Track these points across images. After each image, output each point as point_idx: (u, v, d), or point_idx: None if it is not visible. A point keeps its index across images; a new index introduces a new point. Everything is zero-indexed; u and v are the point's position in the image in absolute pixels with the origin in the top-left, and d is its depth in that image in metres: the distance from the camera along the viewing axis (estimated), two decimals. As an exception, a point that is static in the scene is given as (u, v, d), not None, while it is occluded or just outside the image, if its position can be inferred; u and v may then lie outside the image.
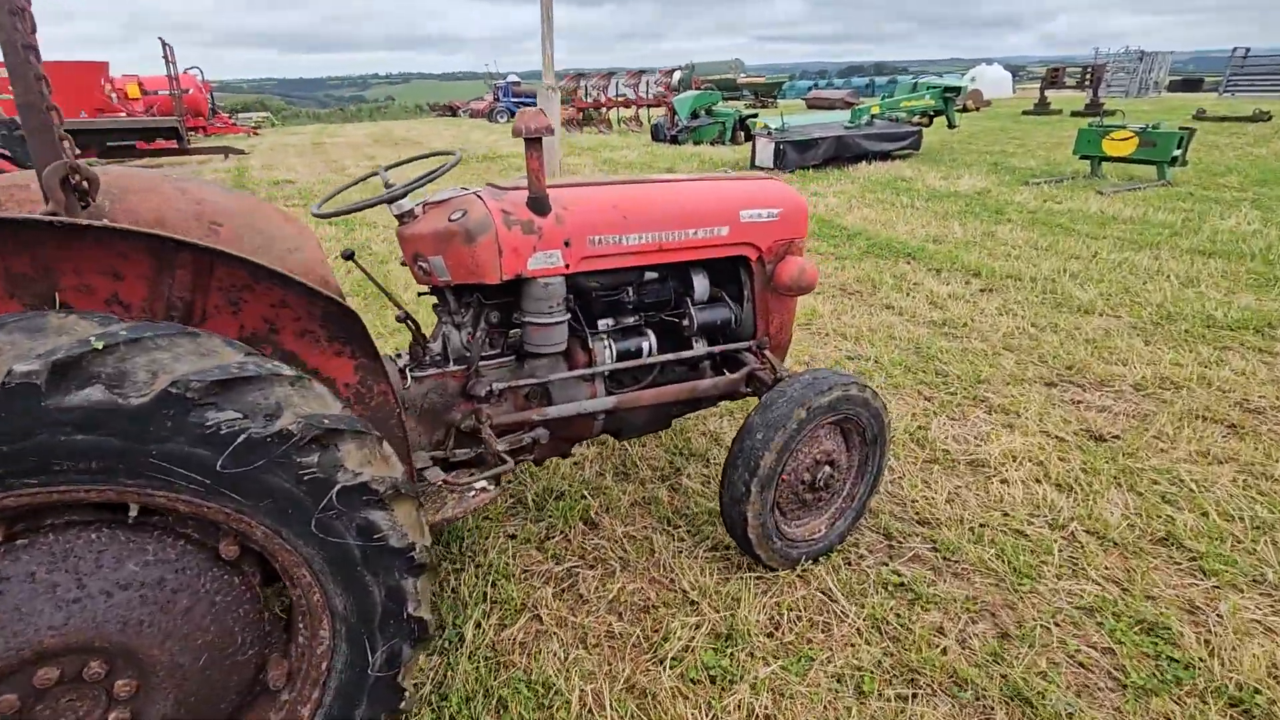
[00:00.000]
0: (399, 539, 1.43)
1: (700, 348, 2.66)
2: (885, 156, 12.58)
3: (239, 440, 1.21)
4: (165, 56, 17.52)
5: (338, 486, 1.32)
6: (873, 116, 12.92)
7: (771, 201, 2.60)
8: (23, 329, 1.16)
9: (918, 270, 6.15)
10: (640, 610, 2.35)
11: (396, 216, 2.19)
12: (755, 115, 16.49)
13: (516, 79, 33.16)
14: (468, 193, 2.22)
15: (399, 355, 2.31)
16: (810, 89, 37.01)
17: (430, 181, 2.12)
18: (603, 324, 2.50)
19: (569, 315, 2.32)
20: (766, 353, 2.69)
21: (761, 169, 12.05)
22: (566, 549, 2.65)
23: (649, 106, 20.42)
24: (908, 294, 5.52)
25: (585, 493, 2.98)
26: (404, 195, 2.10)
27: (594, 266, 2.29)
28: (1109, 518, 2.76)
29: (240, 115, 33.67)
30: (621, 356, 2.50)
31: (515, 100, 29.15)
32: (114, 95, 18.57)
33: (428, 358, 2.28)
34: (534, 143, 2.04)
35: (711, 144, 16.12)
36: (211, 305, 1.45)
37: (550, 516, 2.83)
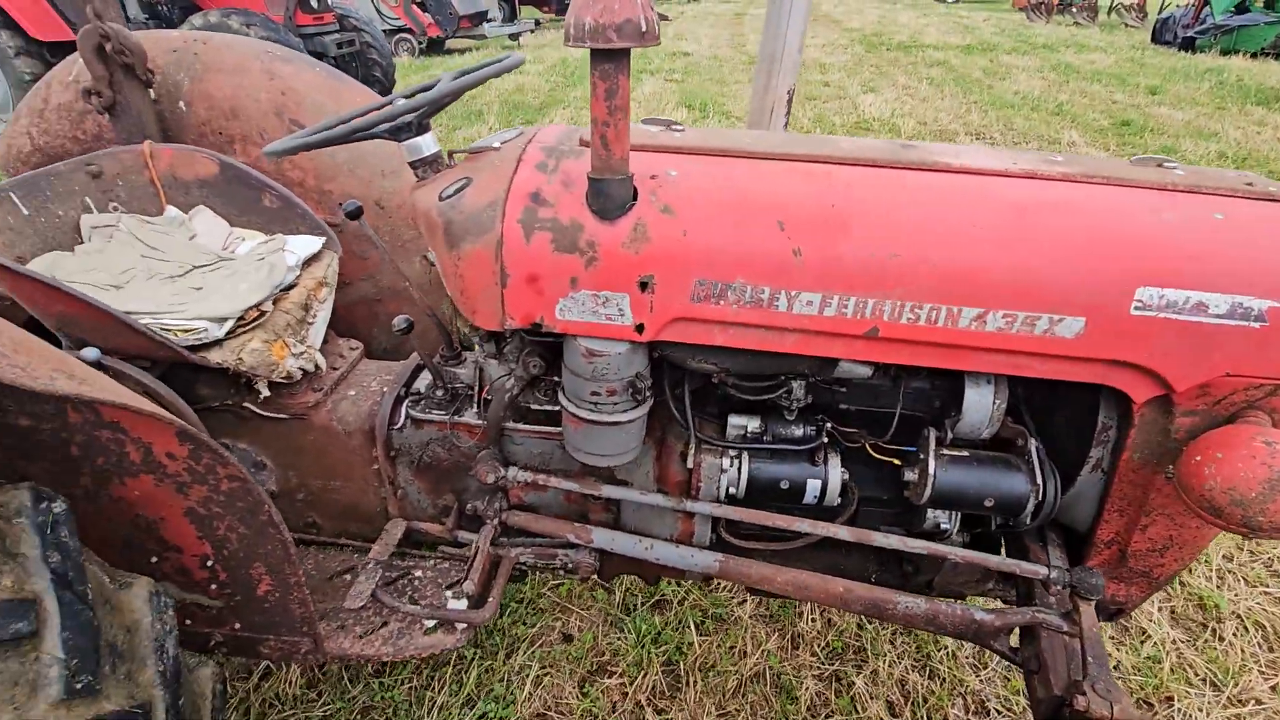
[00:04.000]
0: None
1: (953, 533, 1.32)
2: None
3: None
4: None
5: None
6: None
7: (1263, 279, 0.97)
8: None
9: None
10: None
11: (410, 165, 1.26)
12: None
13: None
14: (520, 135, 1.19)
15: (426, 368, 1.49)
16: None
17: (436, 104, 1.15)
18: (734, 426, 1.30)
19: (645, 406, 1.20)
20: (1082, 600, 1.17)
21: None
22: (600, 698, 1.71)
23: (1167, -8, 14.59)
24: None
25: (695, 620, 1.92)
26: (371, 126, 1.14)
27: (702, 339, 1.09)
28: None
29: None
30: (760, 490, 1.31)
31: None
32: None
33: (441, 392, 1.44)
34: (605, 55, 0.89)
35: (1254, 57, 10.74)
36: None
37: (625, 636, 1.88)
